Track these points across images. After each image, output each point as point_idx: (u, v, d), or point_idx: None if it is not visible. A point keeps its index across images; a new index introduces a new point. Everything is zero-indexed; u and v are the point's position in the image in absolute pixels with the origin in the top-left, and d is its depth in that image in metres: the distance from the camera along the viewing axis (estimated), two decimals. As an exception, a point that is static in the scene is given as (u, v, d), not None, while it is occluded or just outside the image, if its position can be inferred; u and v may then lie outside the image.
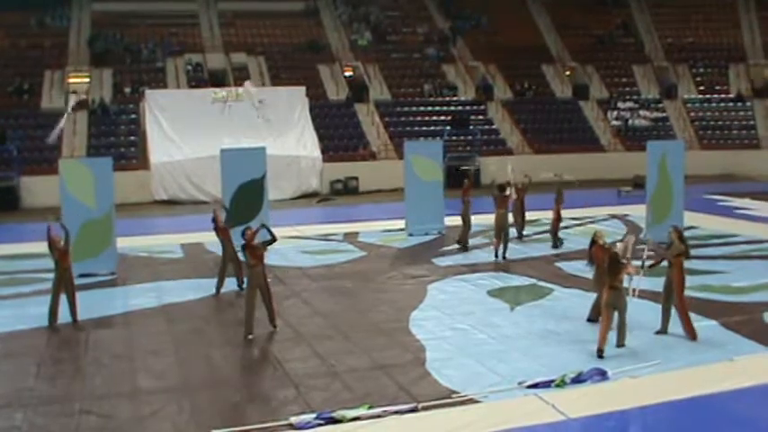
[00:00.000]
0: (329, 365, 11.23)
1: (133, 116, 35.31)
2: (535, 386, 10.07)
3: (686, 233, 19.84)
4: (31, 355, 12.08)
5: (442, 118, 37.90)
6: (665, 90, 43.22)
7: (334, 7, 44.99)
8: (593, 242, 12.75)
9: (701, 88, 43.61)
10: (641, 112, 41.36)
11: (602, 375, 10.38)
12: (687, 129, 40.71)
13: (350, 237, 22.21)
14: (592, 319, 12.85)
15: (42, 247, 14.07)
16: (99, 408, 9.84)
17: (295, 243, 20.96)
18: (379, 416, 9.31)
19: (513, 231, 20.03)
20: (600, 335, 11.41)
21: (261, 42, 41.25)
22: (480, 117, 39.08)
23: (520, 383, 10.19)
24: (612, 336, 11.52)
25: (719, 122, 41.71)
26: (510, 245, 19.12)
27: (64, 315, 13.74)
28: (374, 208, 28.58)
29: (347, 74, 40.67)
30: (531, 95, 41.65)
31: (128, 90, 36.65)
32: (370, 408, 9.47)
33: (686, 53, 45.21)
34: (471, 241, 20.16)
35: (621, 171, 33.20)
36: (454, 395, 9.93)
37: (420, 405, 9.60)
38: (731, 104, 42.55)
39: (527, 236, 20.92)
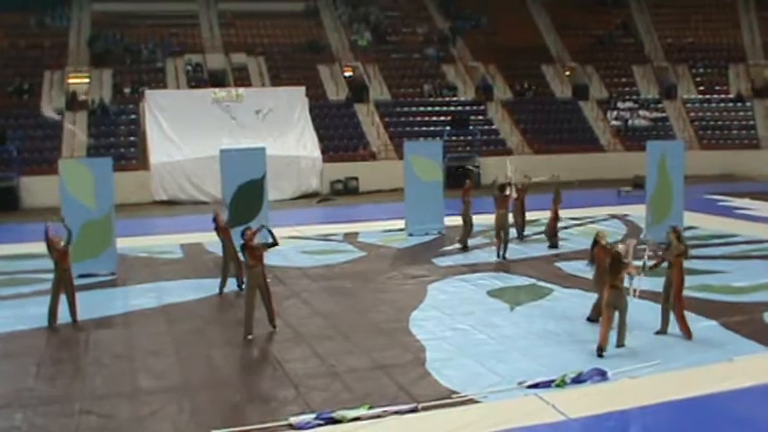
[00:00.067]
0: (329, 366, 11.22)
1: (133, 116, 35.32)
2: (535, 386, 10.07)
3: (686, 233, 19.96)
4: (31, 355, 12.08)
5: (442, 118, 37.92)
6: (664, 90, 43.23)
7: (334, 7, 45.00)
8: (596, 242, 12.75)
9: (701, 88, 43.62)
10: (641, 113, 41.38)
11: (602, 375, 10.38)
12: (687, 129, 40.72)
13: (350, 237, 22.21)
14: (592, 318, 12.86)
15: (42, 247, 14.06)
16: (99, 408, 9.84)
17: (295, 243, 20.96)
18: (379, 416, 9.31)
19: (513, 232, 20.04)
20: (601, 334, 11.43)
21: (261, 43, 41.26)
22: (480, 117, 39.09)
23: (520, 383, 10.19)
24: (612, 336, 11.53)
25: (719, 122, 41.72)
26: (510, 245, 19.12)
27: (64, 315, 13.74)
28: (374, 208, 28.59)
29: (347, 74, 40.69)
30: (530, 96, 41.66)
31: (127, 90, 36.66)
32: (370, 408, 9.47)
33: (686, 53, 45.22)
34: (471, 241, 20.15)
35: (621, 171, 33.20)
36: (454, 395, 9.93)
37: (420, 405, 9.60)
38: (731, 105, 42.56)
39: (527, 236, 20.90)
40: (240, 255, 13.99)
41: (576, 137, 39.22)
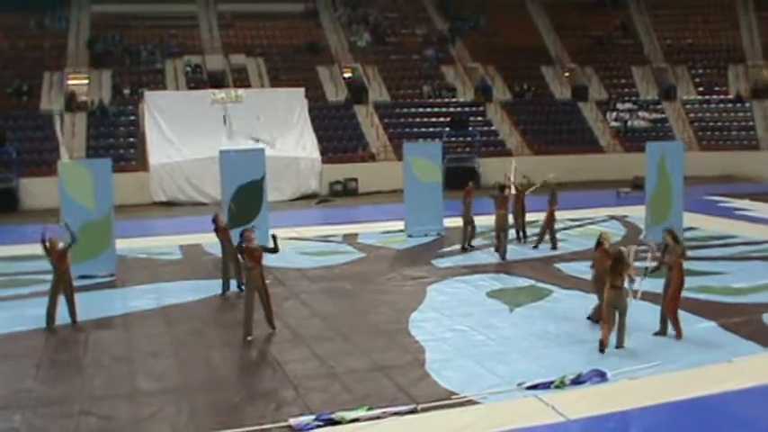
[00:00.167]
0: (328, 367, 11.22)
1: (132, 117, 35.31)
2: (534, 387, 10.06)
3: (686, 234, 20.03)
4: (30, 356, 12.07)
5: (441, 119, 37.91)
6: (663, 91, 43.22)
7: (334, 9, 45.01)
8: (599, 243, 12.74)
9: (700, 89, 43.62)
10: (640, 114, 41.38)
11: (602, 377, 10.38)
12: (686, 130, 40.73)
13: (349, 238, 22.21)
14: (592, 318, 12.86)
15: (40, 248, 14.04)
16: (98, 409, 9.84)
17: (294, 244, 20.94)
18: (378, 417, 9.31)
19: (512, 233, 20.05)
20: (602, 333, 11.56)
21: (260, 44, 41.27)
22: (479, 118, 39.08)
23: (519, 385, 10.19)
24: (612, 336, 11.56)
25: (718, 123, 41.73)
26: (510, 246, 19.14)
27: (63, 316, 13.73)
28: (373, 209, 28.59)
29: (346, 75, 40.69)
30: (530, 97, 41.66)
31: (127, 91, 36.66)
32: (369, 409, 9.46)
33: (685, 54, 45.22)
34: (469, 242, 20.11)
35: (620, 172, 33.20)
36: (453, 396, 9.93)
37: (419, 406, 9.60)
38: (730, 105, 42.56)
39: (527, 236, 20.88)
40: (239, 257, 14.00)
41: (576, 138, 39.22)
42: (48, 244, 13.69)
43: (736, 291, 15.12)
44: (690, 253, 15.62)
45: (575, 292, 15.13)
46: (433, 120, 38.23)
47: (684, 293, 12.42)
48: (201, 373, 11.30)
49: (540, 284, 16.06)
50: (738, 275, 16.37)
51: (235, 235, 14.49)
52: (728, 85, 43.69)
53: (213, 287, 16.09)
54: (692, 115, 42.10)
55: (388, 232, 22.66)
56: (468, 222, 19.85)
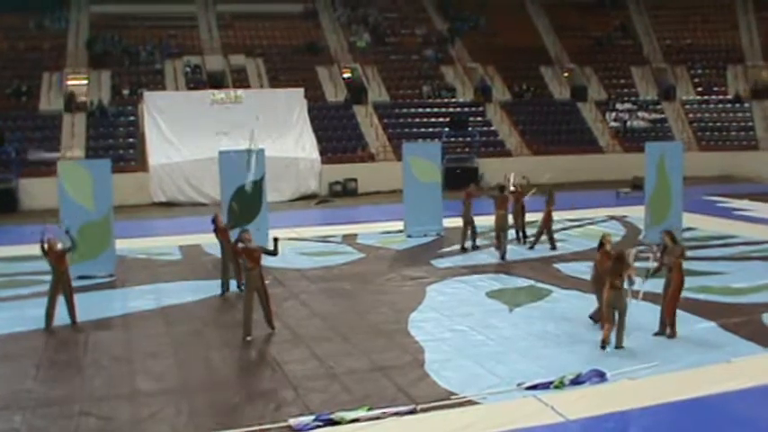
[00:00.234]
0: (328, 367, 11.22)
1: (132, 118, 35.31)
2: (534, 387, 10.07)
3: (685, 234, 20.04)
4: (30, 356, 12.07)
5: (441, 119, 37.91)
6: (663, 91, 43.22)
7: (333, 9, 45.01)
8: (601, 244, 12.73)
9: (700, 89, 43.61)
10: (640, 114, 41.38)
11: (601, 377, 10.38)
12: (685, 130, 40.74)
13: (349, 238, 22.21)
14: (593, 317, 12.87)
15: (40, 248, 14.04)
16: (98, 409, 9.84)
17: (294, 245, 20.94)
18: (378, 417, 9.31)
19: (511, 233, 20.05)
20: (604, 332, 11.67)
21: (259, 44, 41.26)
22: (479, 118, 39.08)
23: (519, 385, 10.19)
24: (612, 336, 11.59)
25: (718, 124, 41.73)
26: (509, 246, 19.16)
27: (63, 317, 13.73)
28: (373, 209, 28.59)
29: (346, 75, 40.68)
30: (529, 97, 41.66)
31: (126, 92, 36.64)
32: (369, 409, 9.47)
33: (684, 54, 45.23)
34: (469, 242, 20.09)
35: (620, 172, 33.19)
36: (453, 397, 9.93)
37: (419, 407, 9.60)
38: (729, 106, 42.57)
39: (526, 237, 20.88)
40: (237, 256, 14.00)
41: (575, 138, 39.23)
42: (46, 245, 13.68)
43: (735, 291, 15.13)
44: (689, 253, 15.62)
45: (574, 293, 15.13)
46: (433, 120, 38.24)
47: (684, 293, 12.43)
48: (201, 373, 11.30)
49: (540, 285, 16.07)
50: (738, 275, 16.38)
51: (234, 235, 14.49)
52: (728, 86, 43.69)
53: (213, 288, 16.09)
54: (691, 115, 42.11)
55: (388, 232, 22.67)
56: (468, 222, 19.85)
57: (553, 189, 20.28)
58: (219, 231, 16.18)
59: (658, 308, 12.39)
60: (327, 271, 18.07)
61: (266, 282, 13.22)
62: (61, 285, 13.67)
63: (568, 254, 19.16)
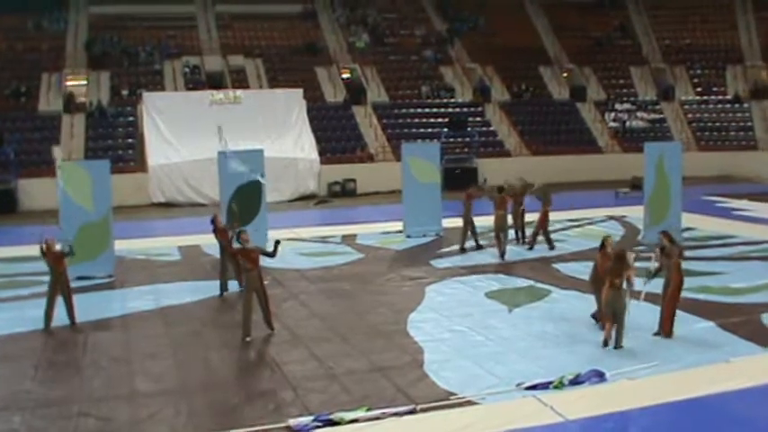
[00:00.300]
0: (327, 368, 11.22)
1: (131, 119, 35.30)
2: (533, 388, 10.07)
3: (684, 234, 20.06)
4: (29, 357, 12.07)
5: (440, 120, 37.92)
6: (662, 91, 43.22)
7: (332, 9, 45.00)
8: (603, 246, 12.70)
9: (699, 90, 43.60)
10: (639, 114, 41.38)
11: (600, 377, 10.38)
12: (684, 130, 40.75)
13: (348, 239, 22.20)
14: (596, 316, 12.87)
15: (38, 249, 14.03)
16: (97, 410, 9.84)
17: (293, 245, 20.93)
18: (377, 418, 9.31)
19: (511, 233, 20.05)
20: (605, 331, 11.73)
21: (258, 45, 41.25)
22: (478, 119, 39.08)
23: (518, 385, 10.19)
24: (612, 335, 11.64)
25: (717, 124, 41.73)
26: (509, 247, 19.17)
27: (62, 318, 13.72)
28: (372, 210, 28.58)
29: (345, 76, 40.67)
30: (528, 97, 41.66)
31: (125, 92, 36.63)
32: (368, 410, 9.47)
33: (683, 55, 45.24)
34: (469, 243, 20.10)
35: (619, 172, 33.17)
36: (452, 397, 9.94)
37: (418, 407, 9.60)
38: (728, 106, 42.57)
39: (525, 237, 20.88)
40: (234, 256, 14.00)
41: (574, 138, 39.24)
42: (44, 245, 13.68)
43: (734, 291, 15.13)
44: (688, 253, 15.68)
45: (573, 293, 15.13)
46: (432, 120, 38.24)
47: (683, 293, 12.43)
48: (200, 374, 11.30)
49: (539, 285, 16.07)
50: (737, 275, 16.37)
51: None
52: (727, 86, 43.69)
53: (212, 288, 16.09)
54: (690, 116, 42.11)
55: (387, 233, 22.66)
56: (468, 223, 19.85)
57: (548, 189, 20.27)
58: (219, 232, 16.18)
59: (658, 308, 12.39)
60: (327, 271, 18.07)
61: (265, 282, 13.22)
62: (60, 286, 13.67)
63: (567, 254, 19.16)
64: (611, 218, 24.67)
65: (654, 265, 12.43)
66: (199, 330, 13.55)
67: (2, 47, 37.95)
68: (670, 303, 12.15)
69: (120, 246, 19.22)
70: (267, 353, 12.21)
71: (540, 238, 19.89)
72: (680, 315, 12.39)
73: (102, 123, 34.70)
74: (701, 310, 13.52)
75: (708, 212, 25.12)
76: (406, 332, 12.97)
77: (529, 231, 20.63)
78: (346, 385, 10.48)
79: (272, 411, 9.68)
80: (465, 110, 39.27)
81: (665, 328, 12.14)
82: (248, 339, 12.64)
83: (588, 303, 13.37)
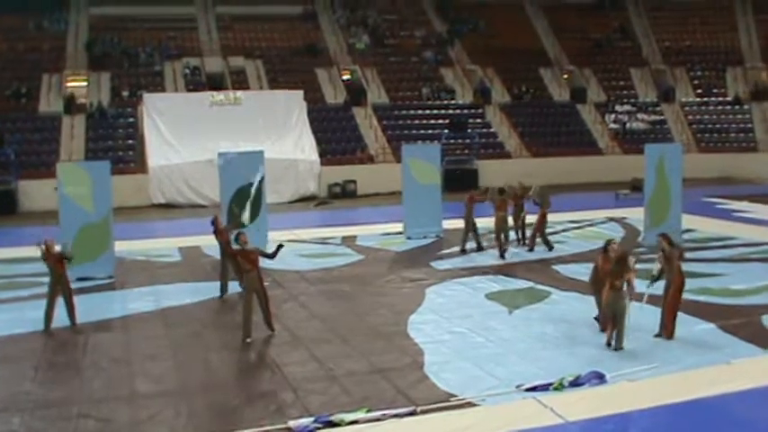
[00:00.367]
0: (327, 369, 11.22)
1: (131, 120, 35.33)
2: (533, 389, 10.06)
3: (685, 236, 20.06)
4: (29, 358, 12.06)
5: (440, 121, 37.96)
6: (662, 93, 43.24)
7: (332, 11, 45.04)
8: (605, 249, 12.66)
9: (699, 91, 43.63)
10: (639, 116, 41.39)
11: (601, 378, 10.38)
12: (685, 132, 40.75)
13: (348, 240, 22.19)
14: (598, 318, 12.87)
15: (38, 250, 14.02)
16: (97, 412, 9.83)
17: (293, 246, 20.91)
18: (377, 419, 9.31)
19: (511, 234, 20.06)
20: (607, 333, 11.77)
21: (259, 46, 41.28)
22: (478, 120, 39.11)
23: (518, 387, 10.19)
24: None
25: (717, 125, 41.74)
26: (509, 248, 19.18)
27: (62, 319, 13.71)
28: (372, 211, 28.57)
29: (345, 77, 40.69)
30: (528, 99, 41.66)
31: (126, 94, 36.66)
32: (368, 411, 9.47)
33: (684, 56, 45.26)
34: (469, 245, 20.08)
35: (619, 174, 33.20)
36: (452, 398, 9.93)
37: (418, 408, 9.60)
38: (729, 107, 42.60)
39: (526, 238, 20.86)
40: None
41: (574, 140, 39.24)
42: (43, 246, 13.67)
43: (735, 292, 15.12)
44: (689, 255, 15.66)
45: (573, 294, 15.12)
46: (432, 122, 38.27)
47: (684, 295, 12.41)
48: (200, 375, 11.30)
49: (539, 286, 16.06)
50: (737, 277, 16.36)
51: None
52: (727, 87, 43.73)
53: (212, 289, 16.08)
54: (690, 117, 42.13)
55: (387, 234, 22.65)
56: (470, 224, 19.83)
57: (546, 191, 20.27)
58: (219, 233, 16.17)
59: (659, 309, 12.37)
60: (327, 273, 18.07)
61: (266, 284, 13.22)
62: (60, 287, 13.67)
63: (567, 255, 19.15)
64: (612, 219, 24.65)
65: (656, 267, 12.42)
66: (199, 331, 13.55)
67: (2, 47, 37.99)
68: (671, 305, 12.14)
69: (121, 247, 19.22)
70: (267, 354, 12.21)
71: (539, 239, 19.88)
72: (680, 317, 12.38)
73: (102, 124, 34.72)
74: (702, 311, 13.51)
75: (708, 214, 25.11)
76: (407, 334, 12.97)
77: (529, 233, 20.63)
78: (346, 387, 10.47)
79: (272, 413, 9.67)
80: (465, 111, 39.30)
81: (667, 330, 12.14)
82: (248, 341, 12.63)
83: (588, 305, 13.37)
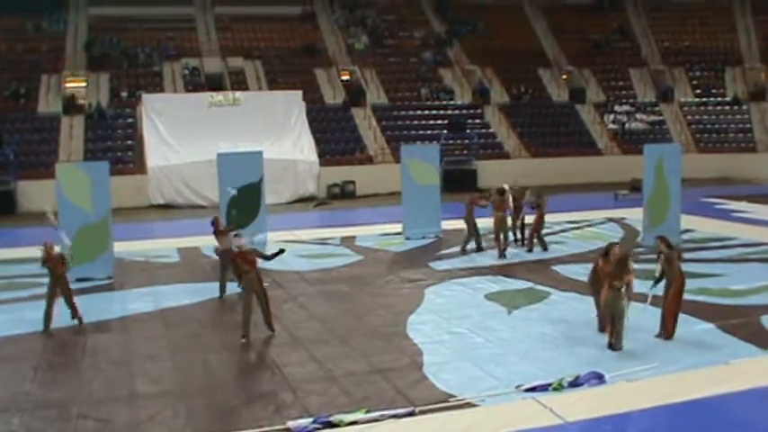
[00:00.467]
0: (326, 369, 11.22)
1: (130, 120, 35.31)
2: (533, 390, 10.07)
3: (684, 236, 20.07)
4: (29, 359, 12.06)
5: (439, 122, 37.97)
6: (661, 93, 43.25)
7: (331, 11, 45.03)
8: (606, 253, 12.63)
9: (698, 92, 43.66)
10: (638, 116, 41.41)
11: (600, 379, 10.38)
12: (684, 132, 40.77)
13: (347, 241, 22.19)
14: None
15: (38, 251, 14.01)
16: (96, 412, 9.83)
17: (292, 247, 20.91)
18: (376, 420, 9.31)
19: (511, 235, 20.07)
20: (609, 333, 11.77)
21: (258, 46, 41.27)
22: (477, 121, 39.11)
23: (517, 387, 10.19)
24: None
25: (716, 126, 41.76)
26: (509, 249, 19.19)
27: (63, 320, 13.71)
28: (371, 212, 28.57)
29: (344, 78, 40.68)
30: (527, 99, 41.67)
31: (125, 94, 36.66)
32: (367, 412, 9.47)
33: (682, 56, 45.28)
34: (471, 245, 20.08)
35: (618, 174, 33.23)
36: (452, 399, 9.94)
37: (417, 409, 9.60)
38: (728, 108, 42.63)
39: (525, 239, 20.87)
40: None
41: (573, 140, 39.26)
42: (44, 252, 13.67)
43: (734, 293, 15.13)
44: (688, 255, 15.69)
45: (572, 295, 15.13)
46: (431, 122, 38.27)
47: (683, 295, 12.41)
48: (199, 376, 11.30)
49: (538, 287, 16.06)
50: (736, 277, 16.37)
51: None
52: (726, 88, 43.76)
53: (211, 290, 16.08)
54: (689, 117, 42.15)
55: (386, 235, 22.65)
56: (470, 225, 19.84)
57: (542, 192, 20.29)
58: (219, 233, 16.17)
59: (659, 310, 12.38)
60: (326, 273, 18.07)
61: (265, 284, 13.23)
62: (59, 288, 13.66)
63: (567, 256, 19.16)
64: (611, 220, 24.65)
65: (657, 269, 12.41)
66: (198, 332, 13.54)
67: (1, 48, 37.98)
68: (672, 305, 12.14)
69: (120, 247, 19.21)
70: (266, 355, 12.21)
71: (536, 239, 19.91)
72: (679, 317, 12.38)
73: (101, 125, 34.70)
74: (701, 311, 13.52)
75: (707, 214, 25.13)
76: (406, 334, 12.97)
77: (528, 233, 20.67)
78: (346, 387, 10.47)
79: (271, 413, 9.68)
80: (464, 112, 39.31)
81: (668, 330, 12.14)
82: (244, 340, 12.61)
83: (587, 305, 13.38)
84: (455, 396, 10.00)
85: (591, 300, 13.12)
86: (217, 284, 16.00)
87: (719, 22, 46.92)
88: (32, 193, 29.84)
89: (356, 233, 23.30)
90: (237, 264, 13.17)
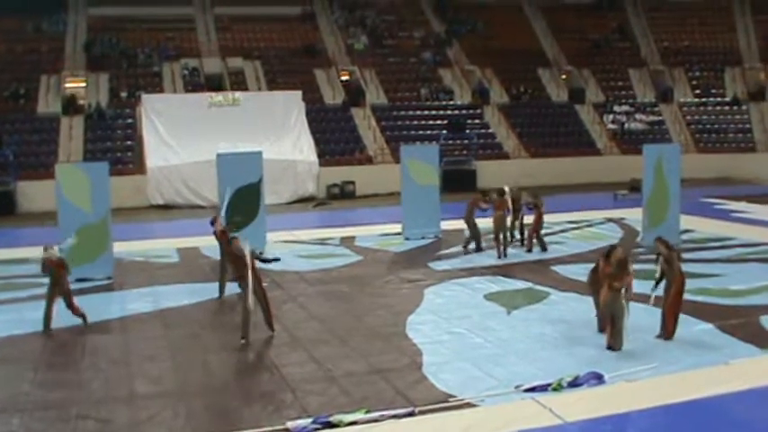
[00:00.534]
0: (326, 370, 11.21)
1: (129, 121, 35.30)
2: (532, 390, 10.07)
3: (683, 236, 20.08)
4: (28, 359, 12.06)
5: (439, 122, 37.96)
6: (660, 93, 43.26)
7: (331, 11, 45.03)
8: (608, 255, 12.59)
9: (697, 92, 43.65)
10: (637, 116, 41.42)
11: (599, 379, 10.38)
12: (683, 132, 40.78)
13: (346, 241, 22.19)
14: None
15: (38, 252, 14.01)
16: (96, 413, 9.83)
17: (292, 247, 20.95)
18: (376, 420, 9.31)
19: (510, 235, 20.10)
20: (608, 333, 11.74)
21: (257, 47, 41.26)
22: (476, 121, 39.11)
23: (517, 387, 10.19)
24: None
25: (715, 126, 41.76)
26: (508, 249, 19.21)
27: (63, 320, 13.70)
28: (371, 212, 28.56)
29: (343, 78, 40.68)
30: (527, 99, 41.67)
31: (124, 94, 36.65)
32: (367, 412, 9.47)
33: (682, 57, 45.28)
34: (471, 246, 20.08)
35: (618, 174, 33.24)
36: (451, 399, 9.93)
37: (417, 409, 9.60)
38: (727, 108, 42.63)
39: (524, 239, 20.88)
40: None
41: (573, 140, 39.26)
42: (45, 258, 13.68)
43: (733, 293, 15.13)
44: (687, 255, 15.69)
45: (572, 295, 15.12)
46: (431, 122, 38.26)
47: (683, 296, 12.41)
48: (199, 376, 11.30)
49: (538, 287, 16.06)
50: (736, 277, 16.36)
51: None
52: (725, 88, 43.76)
53: (210, 290, 16.07)
54: (688, 117, 42.15)
55: (386, 235, 22.65)
56: (471, 225, 19.85)
57: (538, 193, 20.31)
58: (219, 233, 16.16)
59: (658, 310, 12.38)
60: (325, 273, 18.06)
61: (264, 284, 13.23)
62: (59, 289, 13.65)
63: (566, 256, 19.16)
64: (610, 220, 24.64)
65: (657, 270, 12.41)
66: (198, 332, 13.54)
67: (1, 49, 37.91)
68: (672, 306, 12.14)
69: (119, 248, 19.19)
70: (266, 355, 12.21)
71: (535, 240, 19.92)
72: (679, 317, 12.38)
73: (100, 125, 34.69)
74: (700, 312, 13.51)
75: (706, 214, 25.13)
76: (405, 334, 12.97)
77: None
78: (345, 387, 10.47)
79: (270, 413, 9.68)
80: (464, 112, 39.31)
81: (668, 330, 12.14)
82: (243, 341, 12.61)
83: (587, 305, 13.38)
84: (455, 396, 10.00)
85: (590, 300, 13.12)
86: (216, 285, 16.00)
87: (719, 22, 46.93)
88: (32, 193, 29.92)
89: (356, 233, 23.29)
90: (237, 264, 13.17)
